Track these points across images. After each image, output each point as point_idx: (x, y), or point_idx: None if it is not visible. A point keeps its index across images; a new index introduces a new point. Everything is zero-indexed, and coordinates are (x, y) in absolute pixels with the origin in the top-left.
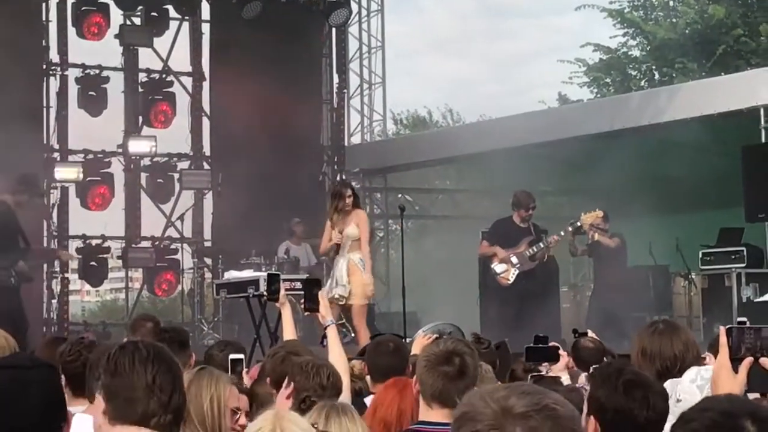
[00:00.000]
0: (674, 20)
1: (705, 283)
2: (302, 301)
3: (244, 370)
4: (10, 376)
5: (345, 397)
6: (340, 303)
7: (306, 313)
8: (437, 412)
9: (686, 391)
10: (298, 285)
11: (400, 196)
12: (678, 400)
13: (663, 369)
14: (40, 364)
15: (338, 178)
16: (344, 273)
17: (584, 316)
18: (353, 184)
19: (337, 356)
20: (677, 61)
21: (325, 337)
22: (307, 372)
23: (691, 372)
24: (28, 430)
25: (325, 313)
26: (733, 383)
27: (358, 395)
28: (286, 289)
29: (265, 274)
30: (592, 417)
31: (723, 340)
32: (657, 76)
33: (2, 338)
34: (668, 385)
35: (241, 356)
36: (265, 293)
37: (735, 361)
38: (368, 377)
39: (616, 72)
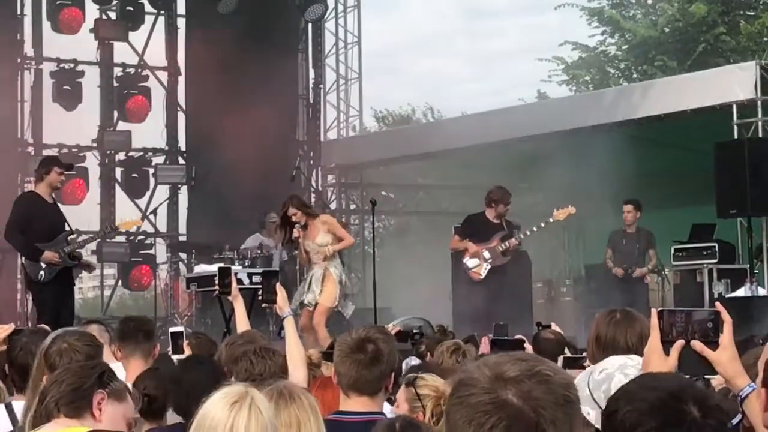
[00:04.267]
0: (654, 18)
1: (677, 279)
2: (259, 293)
3: (185, 342)
4: None
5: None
6: (309, 309)
7: (264, 305)
8: (354, 401)
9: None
10: None
11: (384, 193)
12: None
13: None
14: None
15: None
16: (319, 281)
17: (559, 312)
18: (332, 179)
19: (293, 348)
20: (657, 59)
21: (282, 328)
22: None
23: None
24: None
25: (283, 305)
26: (664, 365)
27: None
28: (258, 283)
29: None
30: None
31: (654, 322)
32: (636, 75)
33: None
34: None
35: (181, 329)
36: (217, 287)
37: (666, 344)
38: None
39: (595, 70)
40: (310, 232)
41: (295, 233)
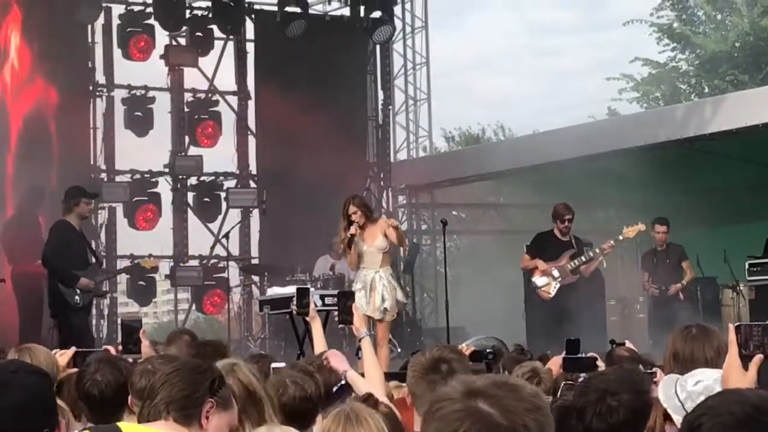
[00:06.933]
0: (724, 33)
1: (752, 294)
2: (335, 313)
3: None
4: None
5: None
6: (377, 319)
7: (340, 326)
8: None
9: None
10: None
11: (455, 213)
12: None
13: None
14: (28, 370)
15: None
16: (387, 290)
17: (633, 330)
18: (400, 200)
19: (371, 368)
20: (728, 74)
21: (360, 349)
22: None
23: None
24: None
25: (359, 325)
26: (744, 380)
27: None
28: (330, 305)
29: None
30: None
31: (732, 337)
32: (707, 90)
33: (45, 356)
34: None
35: (282, 365)
36: (294, 308)
37: (744, 358)
38: None
39: (665, 86)
40: (368, 234)
41: (352, 230)
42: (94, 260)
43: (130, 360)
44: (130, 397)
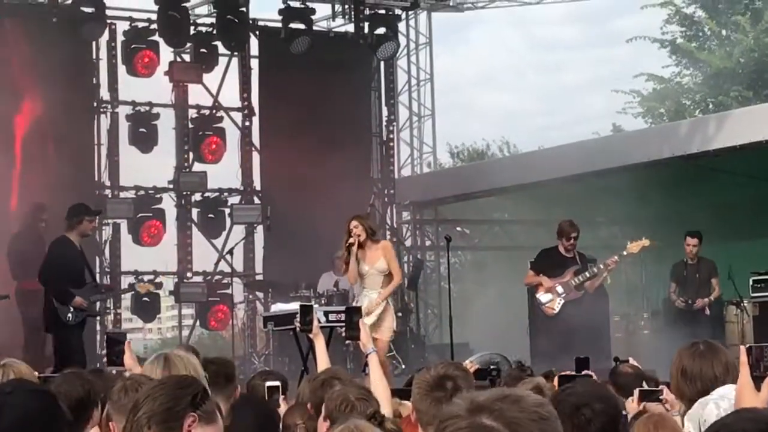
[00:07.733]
0: (729, 49)
1: (756, 311)
2: (340, 330)
3: (281, 397)
4: None
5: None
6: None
7: (347, 342)
8: None
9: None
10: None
11: (459, 229)
12: None
13: (703, 390)
14: (25, 389)
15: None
16: (379, 309)
17: (637, 346)
18: (405, 216)
19: (377, 384)
20: (733, 90)
21: (367, 365)
22: (341, 410)
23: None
24: None
25: (366, 341)
26: (756, 400)
27: None
28: (334, 321)
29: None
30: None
31: (743, 358)
32: (711, 106)
33: (26, 371)
34: (697, 407)
35: (277, 383)
36: (298, 325)
37: (756, 379)
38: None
39: (670, 102)
40: (370, 255)
41: (351, 240)
42: (90, 279)
43: (114, 372)
44: (106, 417)
